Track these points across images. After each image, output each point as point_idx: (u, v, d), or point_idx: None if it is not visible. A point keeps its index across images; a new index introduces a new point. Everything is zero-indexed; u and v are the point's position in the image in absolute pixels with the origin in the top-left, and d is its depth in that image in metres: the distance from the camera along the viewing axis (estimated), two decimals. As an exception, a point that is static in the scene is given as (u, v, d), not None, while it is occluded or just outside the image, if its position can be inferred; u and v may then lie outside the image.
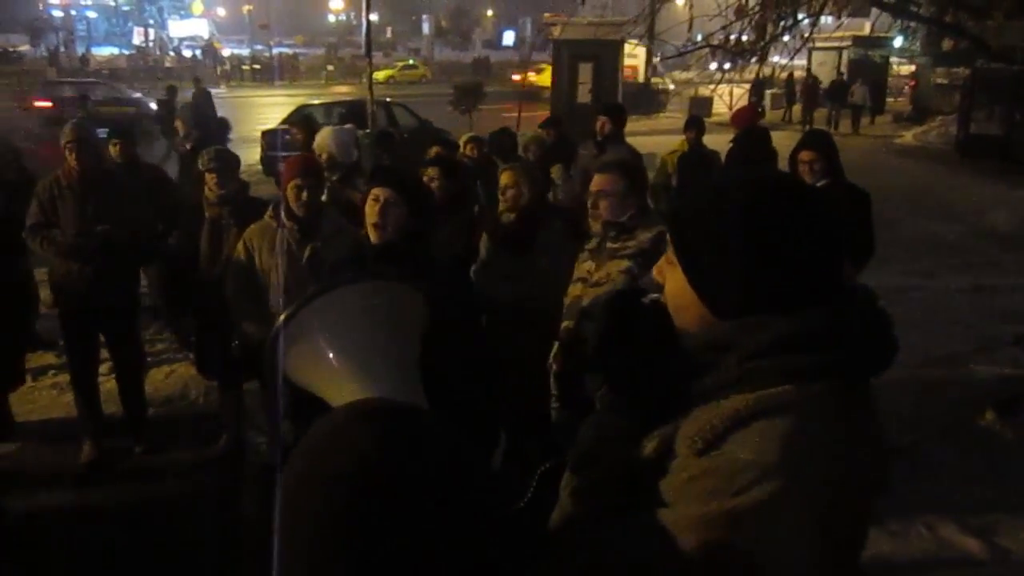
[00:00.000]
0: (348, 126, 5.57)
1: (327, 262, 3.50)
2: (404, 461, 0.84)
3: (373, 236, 3.07)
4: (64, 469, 4.91)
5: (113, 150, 6.10)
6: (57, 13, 60.35)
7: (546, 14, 18.33)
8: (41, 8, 64.30)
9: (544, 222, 4.22)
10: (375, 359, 1.33)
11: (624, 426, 1.27)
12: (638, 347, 1.32)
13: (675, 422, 1.20)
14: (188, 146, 6.50)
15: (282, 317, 1.34)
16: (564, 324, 3.41)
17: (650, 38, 12.87)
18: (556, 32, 15.36)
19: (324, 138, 5.55)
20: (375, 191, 3.04)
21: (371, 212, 3.03)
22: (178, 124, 6.55)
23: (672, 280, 1.30)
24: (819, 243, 1.20)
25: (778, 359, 1.14)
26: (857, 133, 24.22)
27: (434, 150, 5.66)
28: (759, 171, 2.47)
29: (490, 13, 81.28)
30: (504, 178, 4.26)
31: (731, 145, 6.70)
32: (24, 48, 54.35)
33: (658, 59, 25.39)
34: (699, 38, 8.22)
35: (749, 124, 7.55)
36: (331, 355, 1.33)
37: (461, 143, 6.18)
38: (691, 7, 7.61)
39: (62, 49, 49.62)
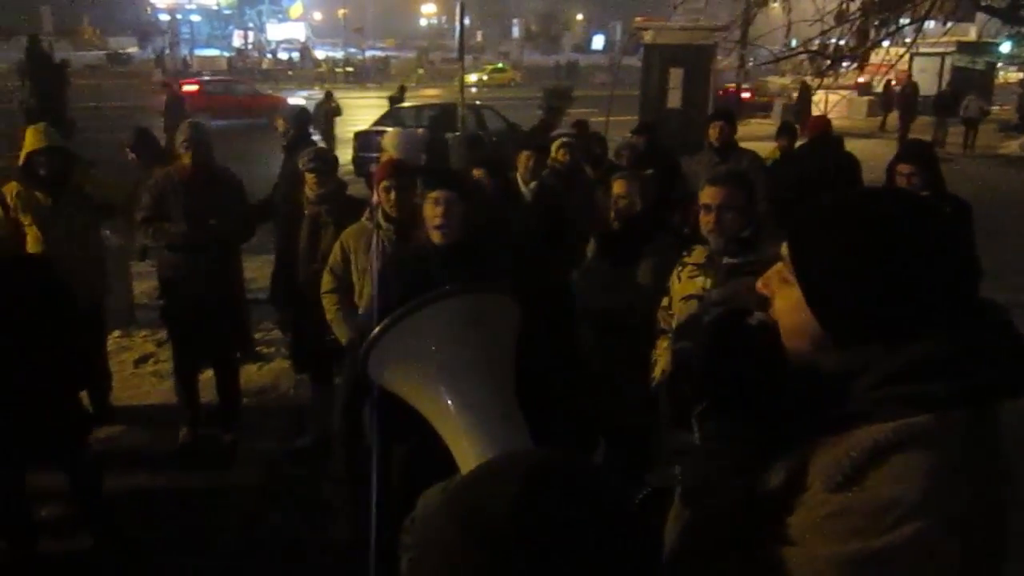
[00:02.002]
0: (419, 130, 5.63)
1: (400, 264, 3.54)
2: (558, 515, 0.81)
3: (436, 237, 3.13)
4: (161, 452, 5.14)
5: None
6: (164, 17, 62.83)
7: (637, 18, 18.19)
8: (149, 13, 67.16)
9: (652, 235, 4.12)
10: (469, 369, 1.35)
11: (737, 456, 1.22)
12: (746, 371, 1.26)
13: (799, 453, 1.14)
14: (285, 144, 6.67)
15: (378, 328, 1.37)
16: (678, 344, 3.24)
17: (743, 43, 12.63)
18: (647, 36, 15.20)
19: (390, 140, 5.62)
20: (434, 194, 3.10)
21: (432, 214, 3.08)
22: (279, 123, 6.71)
23: (785, 299, 1.23)
24: (953, 262, 1.13)
25: (914, 386, 1.08)
26: (969, 150, 21.93)
27: (524, 155, 5.67)
28: (881, 187, 2.36)
29: (580, 17, 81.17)
30: (617, 187, 4.15)
31: (800, 152, 6.55)
32: (133, 50, 56.85)
33: (750, 64, 24.96)
34: (793, 43, 8.05)
35: (820, 132, 7.34)
36: (426, 365, 1.35)
37: (553, 148, 6.18)
38: (789, 12, 7.45)
39: (167, 51, 51.61)
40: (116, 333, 6.69)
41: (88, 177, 5.29)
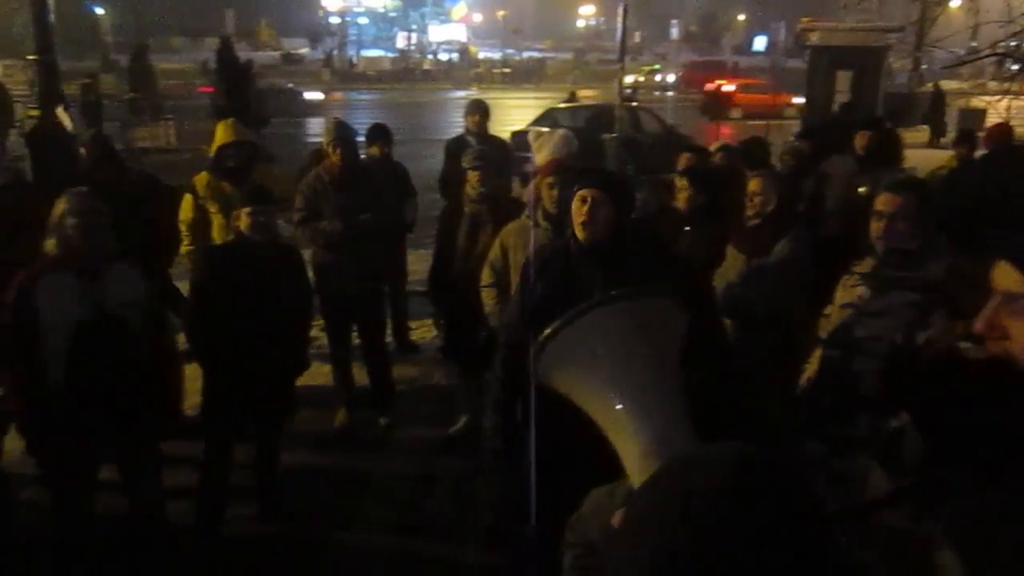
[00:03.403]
0: (568, 132, 5.65)
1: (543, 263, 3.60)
2: (764, 498, 0.86)
3: (580, 234, 3.17)
4: (319, 433, 5.43)
5: (374, 150, 6.59)
6: (334, 20, 65.90)
7: (804, 18, 17.55)
8: (321, 15, 70.63)
9: (786, 231, 4.20)
10: (638, 372, 1.37)
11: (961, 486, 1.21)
12: (965, 402, 1.24)
13: None
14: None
15: (549, 329, 1.41)
16: (826, 352, 3.19)
17: (919, 44, 11.99)
18: (814, 37, 14.65)
19: (538, 140, 5.64)
20: (582, 192, 3.13)
21: (579, 212, 3.11)
22: (469, 120, 6.91)
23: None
24: None
25: None
26: None
27: (684, 157, 5.62)
28: None
29: (742, 17, 79.05)
30: (753, 184, 4.29)
31: (980, 162, 6.13)
32: (304, 51, 59.92)
33: (924, 67, 23.60)
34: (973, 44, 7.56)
35: (1001, 142, 6.83)
36: (595, 367, 1.38)
37: (712, 150, 6.09)
38: (977, 12, 7.00)
39: (335, 52, 54.06)
40: (285, 317, 7.11)
41: (266, 171, 5.64)
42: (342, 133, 5.22)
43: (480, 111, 6.54)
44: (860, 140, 6.37)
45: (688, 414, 1.35)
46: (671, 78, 42.09)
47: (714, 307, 3.51)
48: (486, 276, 4.44)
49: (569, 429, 1.74)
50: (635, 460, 1.29)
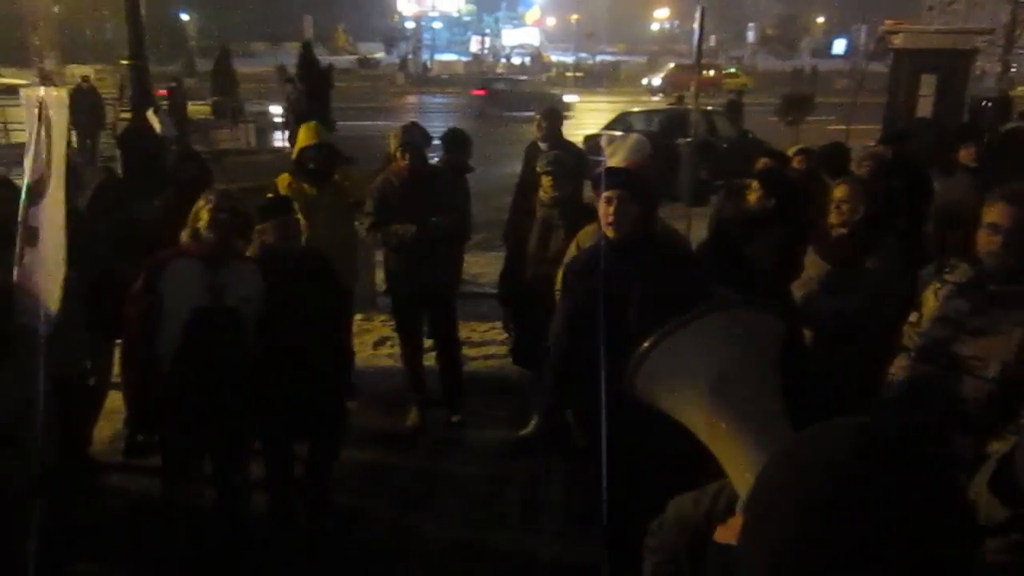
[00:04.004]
0: (641, 137, 5.61)
1: (581, 266, 3.60)
2: (891, 461, 0.89)
3: (610, 234, 3.25)
4: (391, 431, 5.52)
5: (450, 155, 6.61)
6: (409, 24, 66.80)
7: (887, 21, 17.10)
8: (396, 20, 71.68)
9: (878, 240, 4.07)
10: (738, 383, 1.37)
11: None
12: None
13: None
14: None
15: (647, 343, 1.42)
16: (918, 366, 3.05)
17: (1008, 47, 11.57)
18: (897, 40, 14.27)
19: (614, 146, 5.63)
20: (607, 193, 3.19)
21: (605, 212, 3.20)
22: (537, 123, 6.95)
23: None
24: None
25: None
26: None
27: (762, 162, 5.54)
28: None
29: (821, 20, 77.39)
30: (839, 192, 4.14)
31: None
32: (380, 55, 60.85)
33: (1013, 69, 22.73)
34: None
35: None
36: (694, 380, 1.39)
37: (791, 154, 6.00)
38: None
39: (410, 56, 54.75)
40: (359, 316, 7.24)
41: (346, 173, 5.76)
42: (410, 137, 5.29)
43: (548, 117, 6.54)
44: (966, 154, 6.14)
45: (790, 423, 1.35)
46: (656, 81, 40.37)
47: (795, 316, 3.48)
48: (561, 280, 4.44)
49: (649, 435, 1.74)
50: (739, 468, 1.29)
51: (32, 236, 3.20)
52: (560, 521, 4.51)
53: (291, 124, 16.23)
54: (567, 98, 28.82)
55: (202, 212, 3.62)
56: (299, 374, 3.93)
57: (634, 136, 5.18)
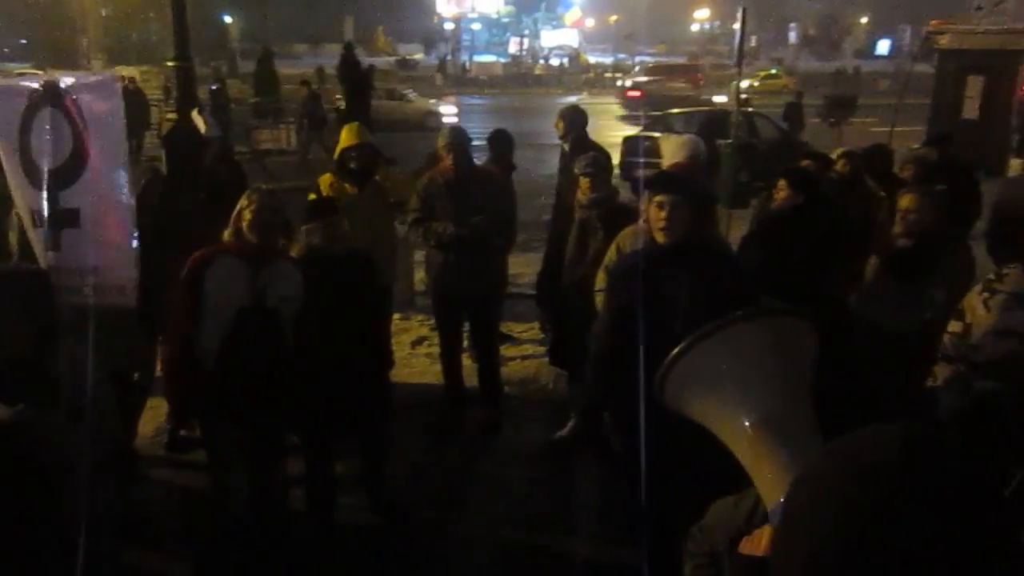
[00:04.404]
0: (693, 137, 5.59)
1: (627, 270, 3.56)
2: (938, 470, 0.88)
3: (661, 239, 3.18)
4: (428, 429, 5.56)
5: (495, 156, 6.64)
6: (448, 26, 67.07)
7: (932, 21, 16.83)
8: (436, 21, 72.04)
9: (945, 252, 3.88)
10: (766, 391, 1.36)
11: None
12: None
13: None
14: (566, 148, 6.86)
15: (676, 349, 1.42)
16: (986, 384, 2.86)
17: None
18: (943, 41, 14.03)
19: (667, 145, 5.60)
20: (659, 197, 3.15)
21: (657, 217, 3.14)
22: (556, 124, 6.95)
23: None
24: None
25: None
26: None
27: (805, 163, 5.49)
28: None
29: (864, 20, 76.30)
30: (905, 201, 3.97)
31: None
32: (419, 56, 61.20)
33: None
34: None
35: None
36: (728, 393, 1.38)
37: (834, 157, 5.93)
38: None
39: (449, 58, 54.97)
40: (397, 316, 7.28)
41: (387, 173, 5.80)
42: (456, 138, 5.33)
43: (566, 117, 6.48)
44: None
45: (820, 433, 1.34)
46: (629, 82, 38.26)
47: (843, 322, 3.41)
48: (600, 280, 4.43)
49: (690, 438, 1.74)
50: (765, 476, 1.29)
51: (71, 218, 3.16)
52: (597, 523, 4.51)
53: (304, 128, 16.48)
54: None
55: (244, 212, 3.65)
56: (340, 373, 3.97)
57: (688, 135, 5.16)
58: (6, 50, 42.63)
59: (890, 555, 0.83)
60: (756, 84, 38.90)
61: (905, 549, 0.83)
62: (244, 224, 3.65)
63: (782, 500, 1.23)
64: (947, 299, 3.53)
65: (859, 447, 0.93)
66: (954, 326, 3.18)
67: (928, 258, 3.87)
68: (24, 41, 50.65)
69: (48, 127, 3.04)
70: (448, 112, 24.87)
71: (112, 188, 3.08)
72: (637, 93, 31.47)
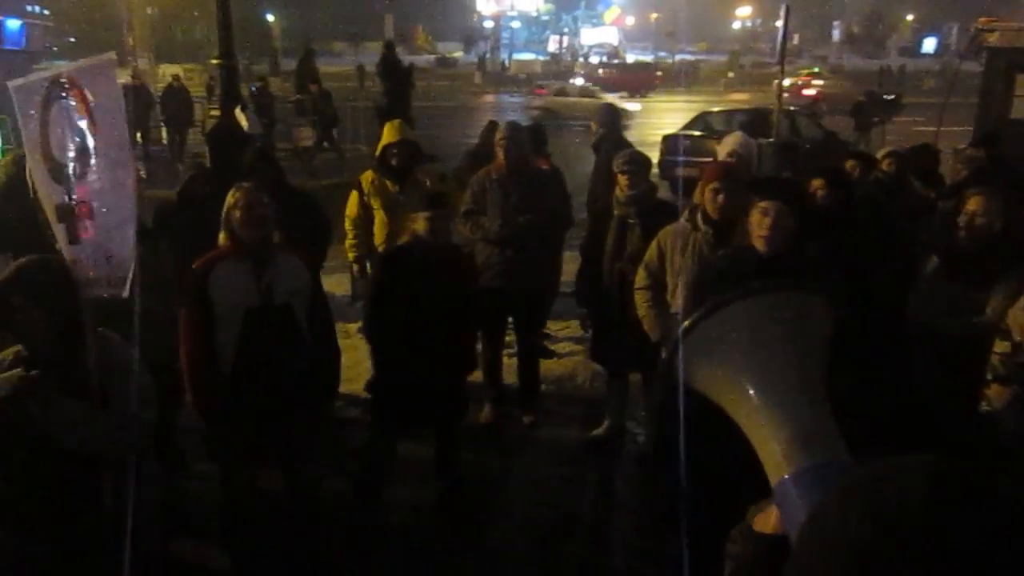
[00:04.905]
0: (743, 135, 5.55)
1: (718, 273, 3.49)
2: (967, 515, 0.78)
3: (760, 247, 3.08)
4: (465, 425, 5.55)
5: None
6: (488, 24, 67.16)
7: (981, 18, 16.47)
8: (475, 19, 72.20)
9: (1012, 256, 3.73)
10: (782, 371, 1.34)
11: None
12: None
13: None
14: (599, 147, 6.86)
15: (686, 323, 1.40)
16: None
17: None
18: (992, 38, 13.72)
19: (733, 142, 5.56)
20: (764, 203, 3.04)
21: (759, 224, 3.03)
22: (592, 124, 6.95)
23: None
24: None
25: None
26: None
27: (850, 164, 5.42)
28: None
29: (910, 18, 74.94)
30: (974, 203, 3.81)
31: None
32: (458, 55, 61.38)
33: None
34: None
35: None
36: (737, 365, 1.37)
37: (879, 157, 5.84)
38: None
39: (488, 56, 55.02)
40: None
41: (427, 171, 5.83)
42: (512, 134, 5.36)
43: (601, 119, 6.45)
44: None
45: (831, 413, 1.32)
46: (579, 81, 37.48)
47: (895, 322, 3.32)
48: (640, 278, 4.41)
49: (732, 436, 1.72)
50: (774, 455, 1.27)
51: (85, 210, 3.13)
52: (633, 522, 4.49)
53: (318, 124, 16.68)
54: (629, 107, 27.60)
55: (234, 212, 3.55)
56: (426, 363, 4.04)
57: (735, 134, 5.12)
58: (55, 48, 43.52)
59: None
60: (799, 83, 38.23)
61: None
62: (236, 224, 3.55)
63: (785, 477, 1.21)
64: (1003, 305, 3.42)
65: (878, 481, 0.83)
66: (1001, 346, 3.07)
67: (991, 263, 3.72)
68: (73, 39, 51.74)
69: (61, 120, 3.04)
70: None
71: (117, 176, 3.04)
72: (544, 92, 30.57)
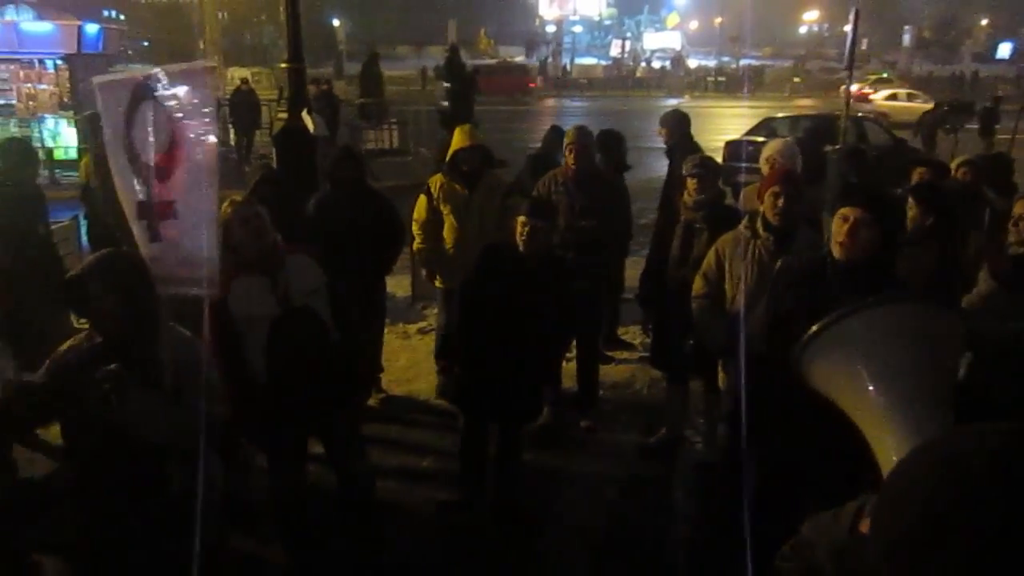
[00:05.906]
0: (789, 141, 5.47)
1: (794, 276, 3.44)
2: None
3: (838, 253, 3.04)
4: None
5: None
6: (550, 28, 67.27)
7: (1061, 23, 15.92)
8: (537, 24, 72.33)
9: None
10: (911, 381, 1.34)
11: None
12: None
13: None
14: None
15: (814, 328, 1.41)
16: None
17: None
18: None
19: (774, 148, 5.50)
20: (846, 210, 3.00)
21: (839, 231, 3.00)
22: (659, 131, 6.91)
23: None
24: None
25: None
26: None
27: (918, 172, 5.29)
28: None
29: (984, 22, 72.80)
30: (1020, 207, 3.79)
31: None
32: (520, 59, 61.58)
33: None
34: None
35: None
36: (865, 372, 1.37)
37: (953, 167, 5.69)
38: None
39: (550, 60, 55.06)
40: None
41: (492, 175, 5.86)
42: (580, 139, 5.37)
43: (667, 123, 6.41)
44: None
45: (952, 420, 1.32)
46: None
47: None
48: (698, 286, 4.37)
49: (799, 447, 1.71)
50: (887, 451, 1.28)
51: (169, 209, 3.18)
52: (690, 530, 4.45)
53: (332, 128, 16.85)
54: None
55: (233, 229, 3.41)
56: (515, 363, 4.09)
57: (784, 139, 5.05)
58: (130, 52, 44.95)
59: (959, 557, 0.81)
60: (867, 88, 37.39)
61: (976, 555, 0.80)
62: (237, 241, 3.42)
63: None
64: None
65: (956, 438, 0.91)
66: None
67: None
68: (146, 43, 53.36)
69: (149, 120, 3.10)
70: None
71: (200, 178, 3.07)
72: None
